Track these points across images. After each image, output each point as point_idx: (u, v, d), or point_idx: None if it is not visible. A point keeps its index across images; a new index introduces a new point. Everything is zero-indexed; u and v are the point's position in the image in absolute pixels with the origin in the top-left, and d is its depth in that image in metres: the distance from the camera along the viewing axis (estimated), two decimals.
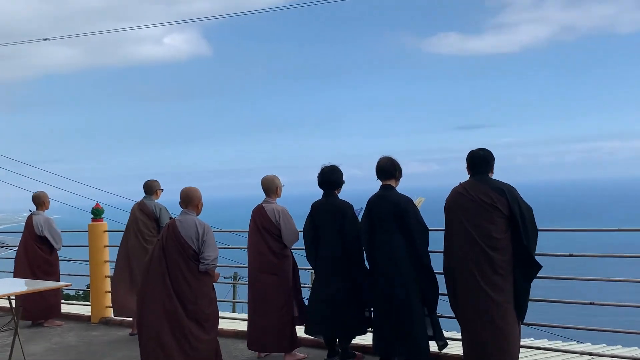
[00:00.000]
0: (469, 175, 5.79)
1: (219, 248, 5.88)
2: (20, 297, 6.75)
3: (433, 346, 6.04)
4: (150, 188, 8.31)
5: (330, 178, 6.57)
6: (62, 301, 9.59)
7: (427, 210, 6.25)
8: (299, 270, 6.95)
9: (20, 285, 6.98)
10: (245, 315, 8.61)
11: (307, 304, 6.71)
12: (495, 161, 5.81)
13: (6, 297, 6.58)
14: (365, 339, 6.76)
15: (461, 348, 5.77)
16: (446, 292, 5.80)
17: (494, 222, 5.52)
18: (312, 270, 6.94)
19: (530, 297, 5.61)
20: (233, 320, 8.70)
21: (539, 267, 5.52)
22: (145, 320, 5.67)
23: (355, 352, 6.56)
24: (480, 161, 5.75)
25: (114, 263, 8.45)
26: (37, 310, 8.75)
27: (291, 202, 6.96)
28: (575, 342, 7.56)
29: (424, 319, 5.94)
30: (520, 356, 5.67)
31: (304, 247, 6.71)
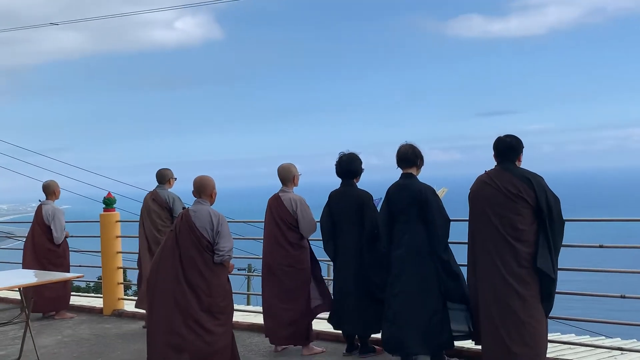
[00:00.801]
0: (496, 164, 5.58)
1: (233, 239, 5.71)
2: (30, 289, 6.60)
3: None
4: (163, 177, 8.14)
5: (349, 166, 6.39)
6: (73, 293, 9.48)
7: (450, 200, 6.06)
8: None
9: (30, 277, 6.83)
10: (259, 308, 8.46)
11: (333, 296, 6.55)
12: (523, 148, 5.58)
13: (16, 288, 6.44)
14: None
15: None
16: None
17: (520, 213, 5.35)
18: (330, 263, 6.74)
19: (557, 290, 5.40)
20: (248, 313, 8.55)
21: (551, 279, 5.31)
22: (155, 313, 5.53)
23: (375, 347, 6.37)
24: (506, 149, 5.56)
25: (129, 254, 8.31)
26: (45, 302, 8.60)
27: (307, 191, 6.78)
28: (604, 337, 7.36)
29: (443, 313, 5.74)
30: (547, 352, 5.47)
31: (321, 238, 6.52)
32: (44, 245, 8.72)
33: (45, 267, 8.49)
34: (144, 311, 8.09)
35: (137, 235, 8.18)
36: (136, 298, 8.20)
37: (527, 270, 5.32)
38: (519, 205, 5.34)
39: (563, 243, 5.46)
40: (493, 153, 5.62)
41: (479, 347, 5.62)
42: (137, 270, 8.23)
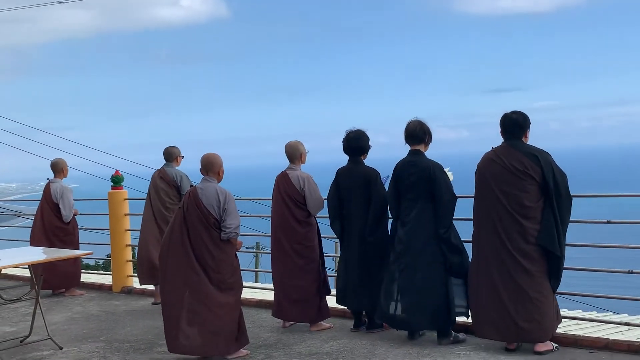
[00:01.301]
0: (502, 140, 5.56)
1: (240, 216, 5.74)
2: (39, 266, 6.65)
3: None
4: (170, 155, 8.14)
5: (356, 143, 6.37)
6: (83, 271, 9.53)
7: (457, 177, 6.04)
8: (323, 240, 6.79)
9: (40, 254, 6.87)
10: (268, 285, 8.50)
11: (336, 274, 6.54)
12: (530, 125, 5.55)
13: (26, 265, 6.49)
14: None
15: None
16: None
17: (526, 190, 5.34)
18: (337, 240, 6.76)
19: (564, 266, 5.41)
20: (256, 289, 8.58)
21: (558, 257, 5.31)
22: (168, 289, 5.61)
23: (382, 323, 6.39)
24: (512, 125, 5.54)
25: (137, 232, 8.33)
26: (56, 279, 8.66)
27: (314, 170, 6.76)
28: (611, 313, 7.36)
29: (449, 289, 5.76)
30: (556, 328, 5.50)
31: (327, 216, 6.53)
32: (53, 223, 8.75)
33: (54, 244, 8.53)
34: (152, 288, 8.16)
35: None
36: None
37: (535, 246, 5.33)
38: (526, 182, 5.33)
39: (570, 219, 5.45)
40: (500, 130, 5.60)
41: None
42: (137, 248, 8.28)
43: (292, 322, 6.70)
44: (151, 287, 8.23)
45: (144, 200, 8.26)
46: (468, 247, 5.83)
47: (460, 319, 5.93)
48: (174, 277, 5.56)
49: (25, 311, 7.83)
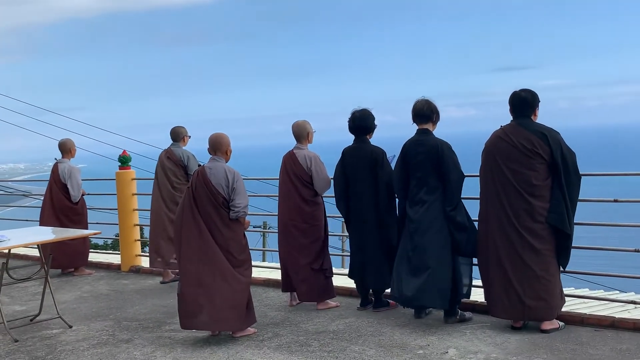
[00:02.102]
0: (511, 119, 5.54)
1: (248, 196, 5.76)
2: (48, 246, 6.69)
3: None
4: (177, 135, 8.15)
5: (362, 122, 6.36)
6: (91, 250, 9.59)
7: (464, 156, 6.03)
8: (329, 219, 6.80)
9: (48, 234, 6.92)
10: (275, 264, 8.53)
11: (350, 252, 6.59)
12: (539, 103, 5.53)
13: (35, 245, 6.53)
14: None
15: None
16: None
17: (535, 169, 5.33)
18: (342, 219, 6.77)
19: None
20: (263, 268, 8.62)
21: (567, 235, 5.31)
22: (184, 268, 5.63)
23: (389, 301, 6.42)
24: (521, 103, 5.52)
25: (145, 212, 8.36)
26: (65, 258, 8.73)
27: (320, 150, 6.76)
28: (618, 292, 7.36)
29: (457, 267, 5.78)
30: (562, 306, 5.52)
31: (334, 195, 6.54)
32: (62, 203, 8.78)
33: (64, 224, 8.57)
34: (160, 268, 8.19)
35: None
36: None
37: (542, 225, 5.32)
38: (534, 160, 5.32)
39: (579, 198, 5.44)
40: (509, 108, 5.59)
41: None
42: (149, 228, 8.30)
43: (299, 301, 6.74)
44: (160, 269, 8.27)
45: (152, 180, 8.29)
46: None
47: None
48: (189, 255, 5.59)
49: (34, 290, 7.90)
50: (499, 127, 5.59)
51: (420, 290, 5.75)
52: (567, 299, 5.78)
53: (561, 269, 5.49)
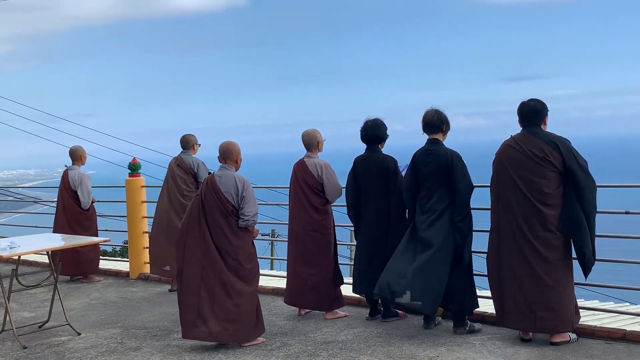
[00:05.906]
0: (521, 129, 5.53)
1: (258, 204, 5.76)
2: (58, 253, 6.71)
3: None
4: (187, 142, 8.17)
5: (375, 132, 6.37)
6: (100, 258, 9.60)
7: (474, 166, 6.01)
8: (340, 228, 6.79)
9: (58, 241, 6.93)
10: (283, 273, 8.51)
11: (353, 262, 6.56)
12: (548, 112, 5.52)
13: (44, 252, 6.55)
14: None
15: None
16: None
17: (546, 177, 5.31)
18: (351, 228, 6.76)
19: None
20: (272, 277, 8.61)
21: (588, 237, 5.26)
22: (186, 276, 5.64)
23: (398, 311, 6.40)
24: (530, 112, 5.52)
25: (152, 219, 8.38)
26: (76, 266, 8.75)
27: (330, 157, 6.75)
28: (628, 304, 7.32)
29: (467, 277, 5.78)
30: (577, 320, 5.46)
31: (344, 204, 6.53)
32: (73, 209, 8.82)
33: (76, 230, 8.61)
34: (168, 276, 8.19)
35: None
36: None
37: (554, 234, 5.30)
38: (546, 168, 5.30)
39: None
40: (518, 118, 5.58)
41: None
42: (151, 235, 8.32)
43: (307, 310, 6.72)
44: (163, 276, 8.27)
45: (161, 188, 8.30)
46: (484, 236, 5.80)
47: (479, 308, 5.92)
48: (192, 263, 5.59)
49: (43, 297, 7.91)
50: (510, 136, 5.57)
51: (427, 300, 5.67)
52: None
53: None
